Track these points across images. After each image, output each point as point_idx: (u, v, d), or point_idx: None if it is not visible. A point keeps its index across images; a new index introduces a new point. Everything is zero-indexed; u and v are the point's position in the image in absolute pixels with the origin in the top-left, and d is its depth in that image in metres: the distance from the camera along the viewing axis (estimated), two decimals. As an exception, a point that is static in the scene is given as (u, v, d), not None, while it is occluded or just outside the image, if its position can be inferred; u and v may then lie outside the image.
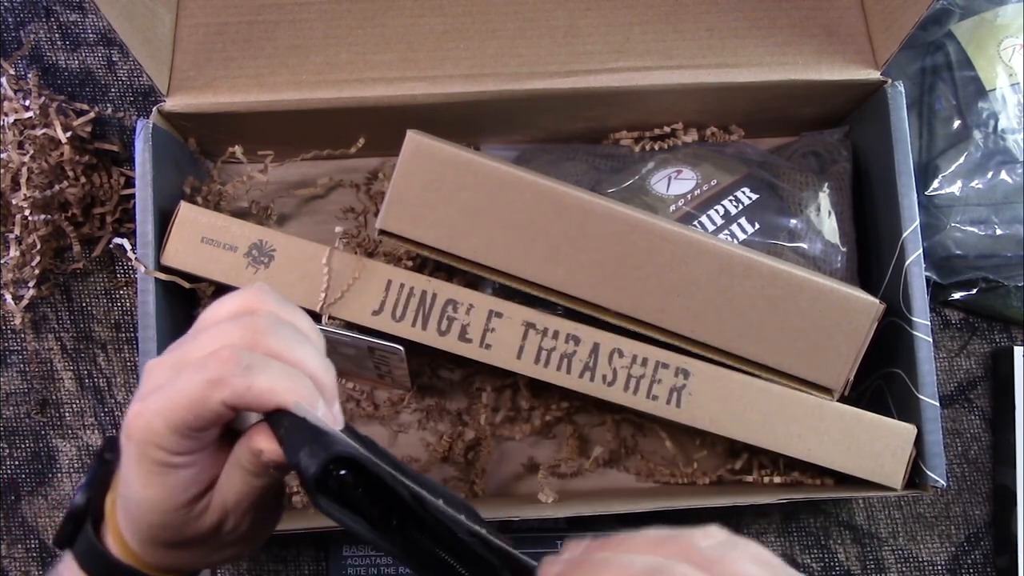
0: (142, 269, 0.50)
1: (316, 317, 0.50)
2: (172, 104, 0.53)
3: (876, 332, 0.48)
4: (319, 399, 0.32)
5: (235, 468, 0.33)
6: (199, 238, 0.50)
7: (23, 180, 0.55)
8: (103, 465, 0.36)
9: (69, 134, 0.56)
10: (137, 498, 0.33)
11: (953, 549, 0.60)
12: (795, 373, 0.49)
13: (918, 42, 0.61)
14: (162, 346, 0.50)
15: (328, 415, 0.32)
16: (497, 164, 0.48)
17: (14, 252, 0.56)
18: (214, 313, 0.34)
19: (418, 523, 0.31)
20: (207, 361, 0.31)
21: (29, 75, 0.59)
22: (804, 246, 0.54)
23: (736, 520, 0.60)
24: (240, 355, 0.30)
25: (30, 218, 0.56)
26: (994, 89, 0.59)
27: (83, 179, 0.58)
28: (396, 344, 0.49)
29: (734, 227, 0.53)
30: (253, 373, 0.30)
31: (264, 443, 0.31)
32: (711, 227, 0.53)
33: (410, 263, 0.54)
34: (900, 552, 0.60)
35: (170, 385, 0.31)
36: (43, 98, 0.57)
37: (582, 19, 0.55)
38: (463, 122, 0.57)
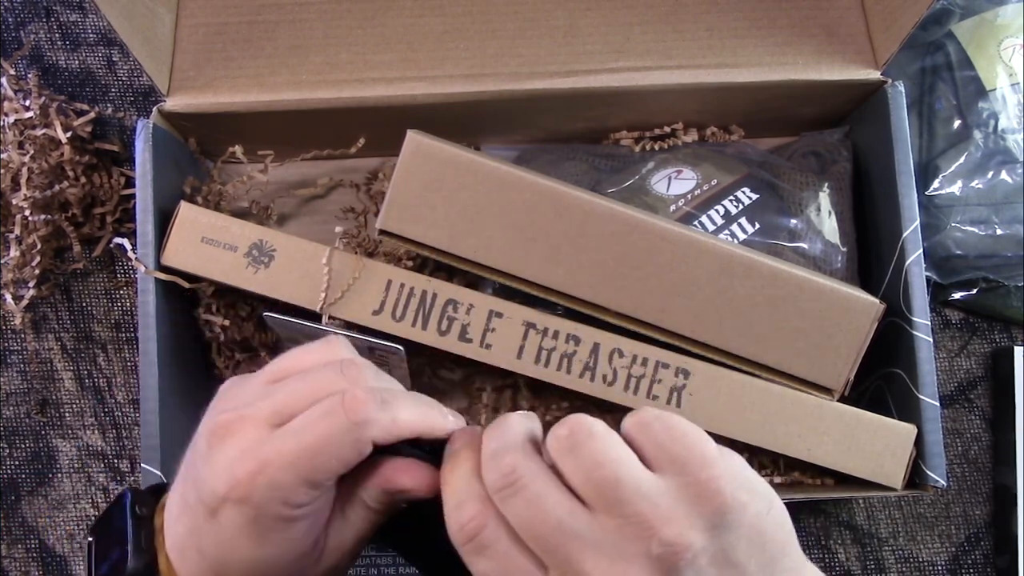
0: (142, 269, 0.50)
1: (316, 317, 0.50)
2: (172, 104, 0.53)
3: (876, 332, 0.48)
4: (444, 413, 0.33)
5: (358, 508, 0.32)
6: (199, 238, 0.50)
7: (23, 180, 0.55)
8: (140, 523, 0.33)
9: (69, 134, 0.56)
10: (247, 559, 0.30)
11: (953, 549, 0.60)
12: (795, 373, 0.49)
13: (918, 42, 0.61)
14: (162, 346, 0.50)
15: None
16: (497, 164, 0.48)
17: (14, 252, 0.56)
18: (298, 362, 0.33)
19: None
20: (337, 405, 0.29)
21: (29, 75, 0.59)
22: (804, 246, 0.54)
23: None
24: (375, 393, 0.30)
25: (30, 218, 0.56)
26: (994, 89, 0.59)
27: (83, 179, 0.58)
28: (396, 344, 0.49)
29: (734, 227, 0.53)
30: (393, 408, 0.30)
31: (408, 481, 0.31)
32: (711, 227, 0.53)
33: (410, 263, 0.54)
34: (900, 552, 0.60)
35: (294, 435, 0.29)
36: (43, 98, 0.57)
37: (582, 19, 0.55)
38: (463, 122, 0.57)
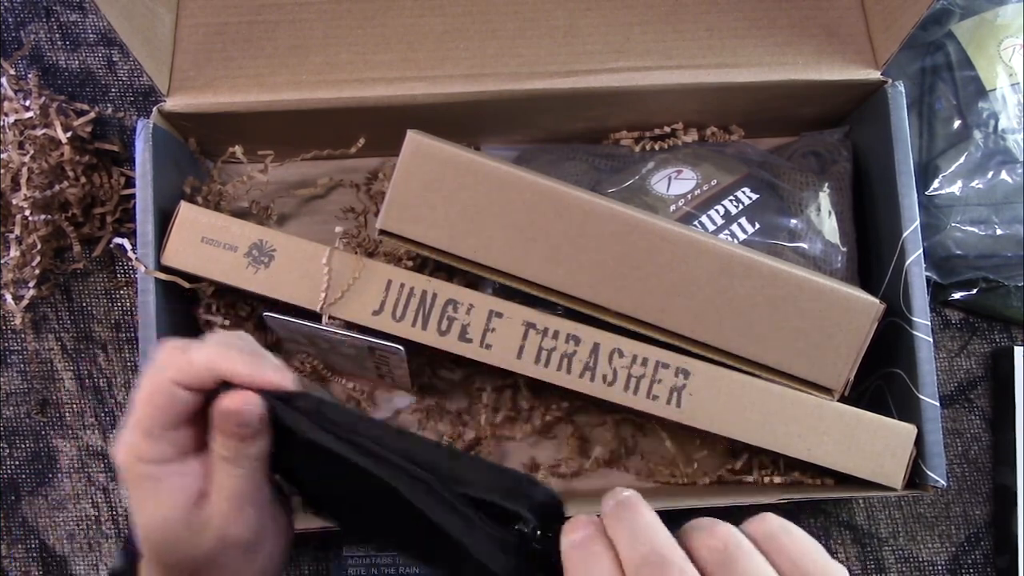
0: (142, 269, 0.50)
1: (316, 317, 0.50)
2: (172, 104, 0.53)
3: (876, 332, 0.48)
4: (263, 355, 0.34)
5: (217, 465, 0.34)
6: (199, 238, 0.50)
7: (23, 180, 0.55)
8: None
9: (69, 134, 0.56)
10: (140, 525, 0.34)
11: (953, 549, 0.60)
12: (795, 373, 0.49)
13: (918, 42, 0.61)
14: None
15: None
16: (497, 164, 0.47)
17: (14, 252, 0.56)
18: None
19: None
20: (151, 366, 0.34)
21: (29, 75, 0.59)
22: (804, 246, 0.54)
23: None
24: (175, 343, 0.34)
25: (30, 218, 0.56)
26: (994, 89, 0.59)
27: (83, 179, 0.58)
28: (396, 344, 0.49)
29: (734, 227, 0.53)
30: (191, 350, 0.33)
31: (229, 401, 0.33)
32: (711, 227, 0.53)
33: (410, 263, 0.54)
34: (900, 552, 0.60)
35: (131, 406, 0.34)
36: (43, 98, 0.57)
37: (582, 19, 0.55)
38: (463, 122, 0.57)
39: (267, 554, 0.37)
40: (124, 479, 0.34)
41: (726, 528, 0.28)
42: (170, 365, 0.33)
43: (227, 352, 0.34)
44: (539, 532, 0.31)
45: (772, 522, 0.29)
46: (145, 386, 0.33)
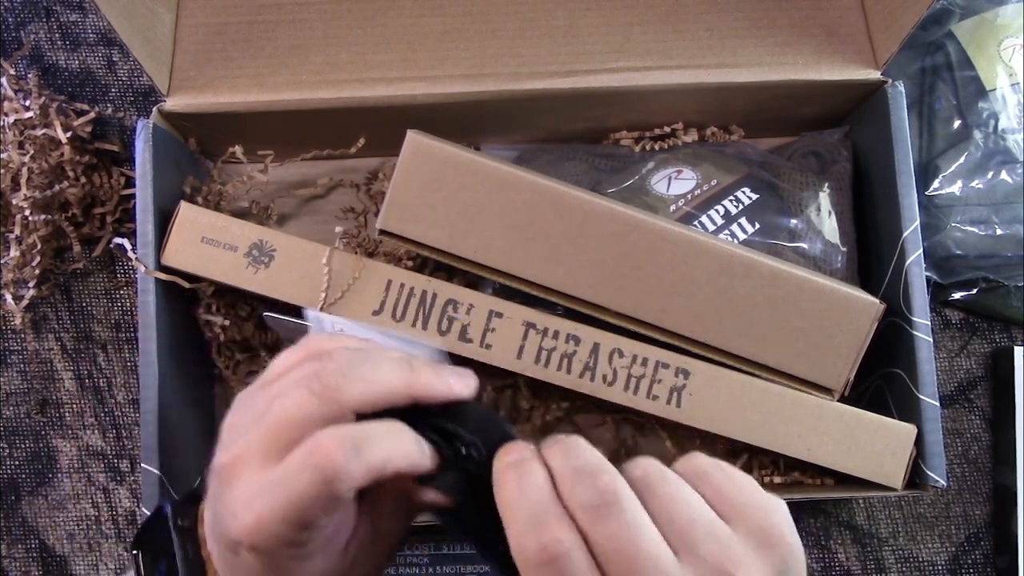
0: (142, 269, 0.50)
1: (316, 317, 0.50)
2: (172, 104, 0.53)
3: (876, 332, 0.48)
4: (420, 443, 0.32)
5: (382, 519, 0.33)
6: (199, 238, 0.50)
7: (23, 180, 0.55)
8: (184, 535, 0.34)
9: (69, 134, 0.56)
10: None
11: (953, 549, 0.60)
12: (795, 373, 0.49)
13: (918, 42, 0.61)
14: (162, 346, 0.50)
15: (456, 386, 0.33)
16: (497, 164, 0.48)
17: (14, 252, 0.56)
18: (284, 361, 0.33)
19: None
20: (310, 457, 0.29)
21: (29, 75, 0.59)
22: (804, 246, 0.54)
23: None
24: (344, 440, 0.29)
25: (30, 218, 0.56)
26: (994, 89, 0.59)
27: (83, 179, 0.58)
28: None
29: (734, 227, 0.53)
30: (363, 454, 0.29)
31: (433, 496, 0.32)
32: (711, 227, 0.53)
33: (410, 263, 0.54)
34: (900, 552, 0.60)
35: (282, 488, 0.29)
36: (43, 98, 0.57)
37: (582, 19, 0.55)
38: (463, 122, 0.57)
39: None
40: (261, 556, 0.30)
41: (650, 460, 0.29)
42: (343, 476, 0.28)
43: (400, 445, 0.30)
44: (475, 454, 0.31)
45: (702, 460, 0.29)
46: (302, 491, 0.28)
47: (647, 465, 0.28)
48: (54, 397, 0.60)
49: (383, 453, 0.29)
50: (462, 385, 0.33)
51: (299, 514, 0.29)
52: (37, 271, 0.57)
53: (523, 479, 0.29)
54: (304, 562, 0.31)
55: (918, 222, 0.52)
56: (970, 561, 0.60)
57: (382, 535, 0.34)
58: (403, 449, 0.30)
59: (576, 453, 0.29)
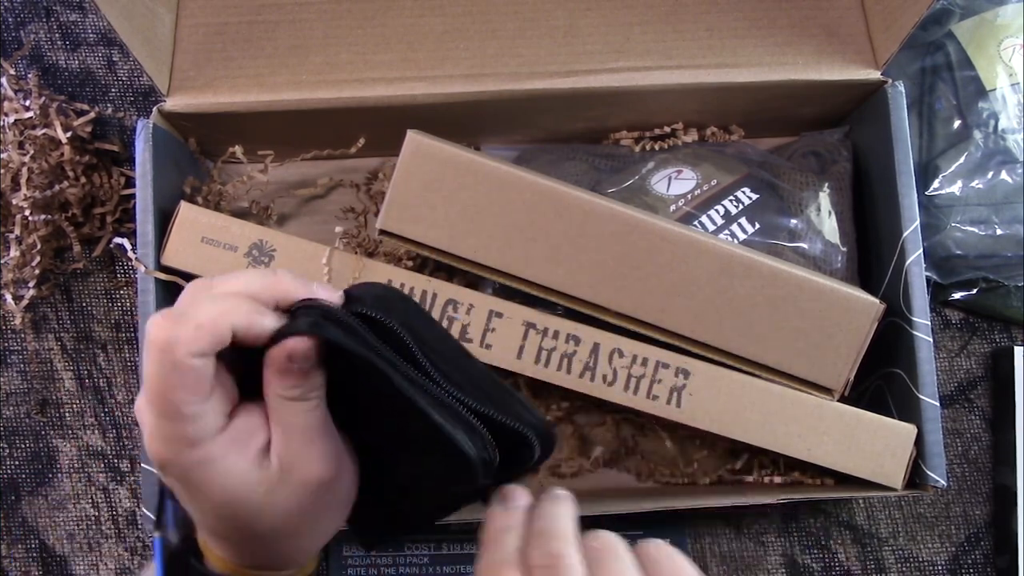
0: (142, 269, 0.50)
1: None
2: (172, 104, 0.53)
3: (876, 332, 0.48)
4: (262, 305, 0.32)
5: (280, 408, 0.32)
6: (199, 238, 0.50)
7: (23, 180, 0.55)
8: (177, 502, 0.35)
9: (69, 134, 0.56)
10: (206, 513, 0.32)
11: (953, 549, 0.60)
12: (795, 373, 0.49)
13: (918, 42, 0.61)
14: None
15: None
16: (497, 164, 0.48)
17: (14, 252, 0.56)
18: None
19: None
20: (148, 343, 0.31)
21: (29, 75, 0.59)
22: (804, 246, 0.54)
23: (736, 520, 0.60)
24: (168, 312, 0.31)
25: (30, 218, 0.56)
26: (994, 89, 0.59)
27: (83, 179, 0.58)
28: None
29: (734, 227, 0.53)
30: (189, 317, 0.30)
31: (292, 344, 0.31)
32: (711, 227, 0.53)
33: (410, 263, 0.54)
34: (900, 552, 0.60)
35: (143, 392, 0.32)
36: (43, 98, 0.57)
37: (582, 19, 0.55)
38: (463, 122, 0.57)
39: (346, 486, 0.35)
40: (171, 477, 0.31)
41: (609, 536, 0.31)
42: (175, 341, 0.30)
43: (232, 310, 0.31)
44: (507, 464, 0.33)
45: (661, 549, 0.31)
46: (157, 374, 0.30)
47: (605, 539, 0.31)
48: (54, 397, 0.60)
49: (211, 312, 0.30)
50: (327, 293, 0.33)
51: (162, 401, 0.30)
52: (37, 271, 0.57)
53: (505, 522, 0.32)
54: (209, 468, 0.31)
55: (918, 222, 0.52)
56: (970, 561, 0.60)
57: (297, 439, 0.33)
58: (232, 307, 0.31)
59: (545, 514, 0.32)
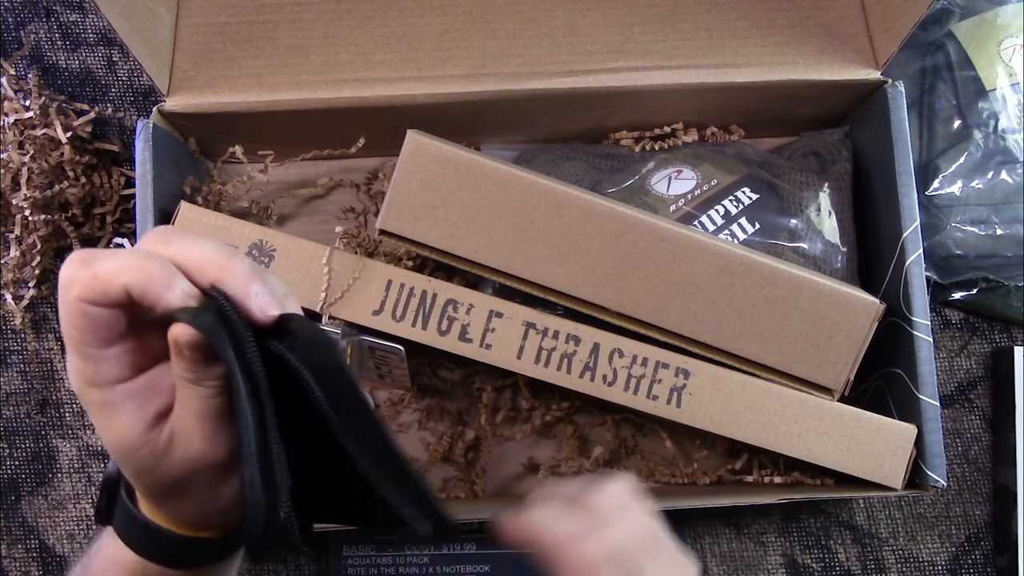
0: (142, 269, 0.50)
1: (316, 317, 0.50)
2: (172, 104, 0.53)
3: (876, 332, 0.48)
4: (175, 274, 0.31)
5: (179, 384, 0.32)
6: (199, 238, 0.50)
7: (23, 180, 0.55)
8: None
9: (69, 134, 0.56)
10: (108, 448, 0.33)
11: (953, 549, 0.60)
12: (795, 373, 0.49)
13: (918, 42, 0.61)
14: (162, 346, 0.50)
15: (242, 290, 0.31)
16: (497, 164, 0.47)
17: (14, 252, 0.56)
18: None
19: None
20: (60, 283, 0.31)
21: (29, 75, 0.59)
22: (804, 246, 0.54)
23: (736, 520, 0.60)
24: (76, 255, 0.30)
25: (30, 218, 0.56)
26: (994, 89, 0.59)
27: (83, 179, 0.58)
28: (396, 344, 0.49)
29: (734, 227, 0.53)
30: (90, 264, 0.30)
31: (177, 333, 0.30)
32: (711, 227, 0.53)
33: (410, 263, 0.54)
34: (900, 552, 0.60)
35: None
36: (43, 98, 0.57)
37: (582, 19, 0.55)
38: (463, 122, 0.57)
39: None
40: (84, 406, 0.33)
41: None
42: (71, 282, 0.29)
43: (140, 263, 0.30)
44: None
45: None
46: (60, 308, 0.30)
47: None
48: (54, 397, 0.60)
49: (113, 264, 0.30)
50: (265, 302, 0.32)
51: (64, 335, 0.31)
52: (37, 271, 0.57)
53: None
54: (106, 411, 0.31)
55: (918, 222, 0.52)
56: (970, 561, 0.60)
57: (187, 417, 0.32)
58: (136, 266, 0.30)
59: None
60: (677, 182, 0.55)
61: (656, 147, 0.58)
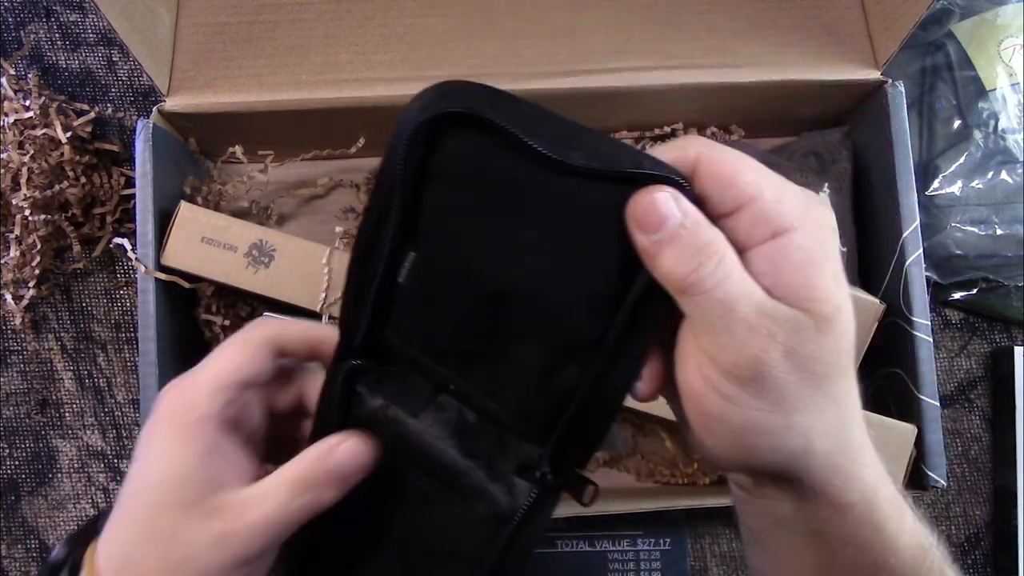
0: (142, 269, 0.50)
1: (316, 317, 0.50)
2: (172, 104, 0.53)
3: (876, 332, 0.48)
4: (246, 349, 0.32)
5: (271, 488, 0.30)
6: (199, 238, 0.50)
7: (23, 180, 0.55)
8: (91, 523, 0.34)
9: (69, 134, 0.56)
10: (144, 475, 0.31)
11: (953, 549, 0.60)
12: (795, 373, 0.49)
13: (918, 42, 0.61)
14: (162, 346, 0.50)
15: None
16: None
17: (14, 252, 0.56)
18: None
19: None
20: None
21: (29, 75, 0.59)
22: (804, 246, 0.54)
23: (736, 520, 0.60)
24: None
25: (30, 218, 0.56)
26: (994, 89, 0.59)
27: (83, 179, 0.58)
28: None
29: (734, 227, 0.53)
30: (288, 321, 0.33)
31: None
32: (711, 227, 0.53)
33: (410, 263, 0.54)
34: (900, 552, 0.60)
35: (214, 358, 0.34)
36: (43, 98, 0.57)
37: (582, 19, 0.55)
38: (463, 122, 0.57)
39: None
40: (153, 424, 0.31)
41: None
42: (266, 326, 0.32)
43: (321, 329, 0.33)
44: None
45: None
46: (231, 341, 0.32)
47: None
48: (54, 397, 0.60)
49: (304, 326, 0.33)
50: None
51: (215, 373, 0.32)
52: (37, 271, 0.57)
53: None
54: (188, 435, 0.31)
55: (918, 222, 0.52)
56: (970, 561, 0.60)
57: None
58: (323, 330, 0.33)
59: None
60: (677, 182, 0.55)
61: (656, 147, 0.58)
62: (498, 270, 0.28)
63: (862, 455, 0.29)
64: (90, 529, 0.33)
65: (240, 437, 0.32)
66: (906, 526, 0.30)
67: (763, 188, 0.27)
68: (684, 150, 0.27)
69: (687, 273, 0.26)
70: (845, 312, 0.28)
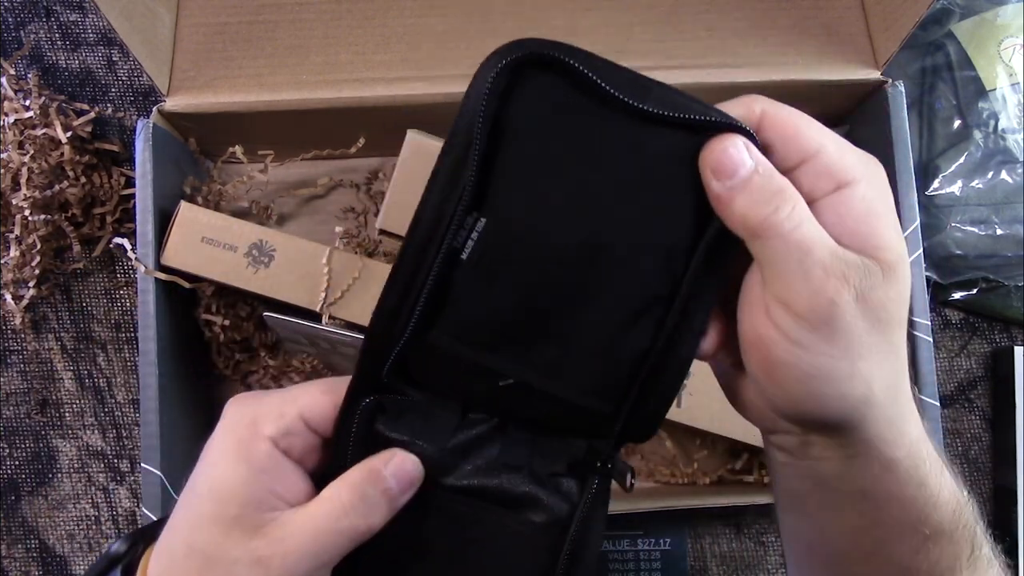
0: (142, 269, 0.50)
1: (316, 317, 0.50)
2: (172, 104, 0.53)
3: (876, 332, 0.48)
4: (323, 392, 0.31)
5: (324, 509, 0.30)
6: (199, 238, 0.50)
7: (23, 180, 0.55)
8: (158, 522, 0.33)
9: (69, 134, 0.56)
10: (205, 484, 0.30)
11: (953, 549, 0.60)
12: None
13: (918, 42, 0.61)
14: (162, 346, 0.50)
15: None
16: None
17: (14, 252, 0.56)
18: None
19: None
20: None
21: (29, 75, 0.59)
22: (804, 246, 0.54)
23: (736, 520, 0.60)
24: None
25: (30, 218, 0.56)
26: (994, 89, 0.59)
27: (83, 179, 0.58)
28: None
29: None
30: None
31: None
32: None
33: (410, 263, 0.54)
34: (900, 552, 0.60)
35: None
36: (43, 98, 0.57)
37: (582, 19, 0.55)
38: (463, 122, 0.57)
39: None
40: (217, 430, 0.31)
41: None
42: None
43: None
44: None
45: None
46: (321, 381, 0.31)
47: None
48: (54, 397, 0.60)
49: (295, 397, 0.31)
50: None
51: (302, 404, 0.31)
52: (37, 271, 0.57)
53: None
54: (251, 453, 0.30)
55: (918, 222, 0.52)
56: (970, 561, 0.60)
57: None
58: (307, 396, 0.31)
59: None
60: (677, 182, 0.55)
61: (656, 147, 0.58)
62: (572, 225, 0.28)
63: (911, 409, 0.30)
64: (154, 528, 0.33)
65: (299, 467, 0.31)
66: (945, 482, 0.31)
67: (826, 143, 0.28)
68: (749, 106, 0.28)
69: (765, 217, 0.26)
70: (906, 262, 0.28)
